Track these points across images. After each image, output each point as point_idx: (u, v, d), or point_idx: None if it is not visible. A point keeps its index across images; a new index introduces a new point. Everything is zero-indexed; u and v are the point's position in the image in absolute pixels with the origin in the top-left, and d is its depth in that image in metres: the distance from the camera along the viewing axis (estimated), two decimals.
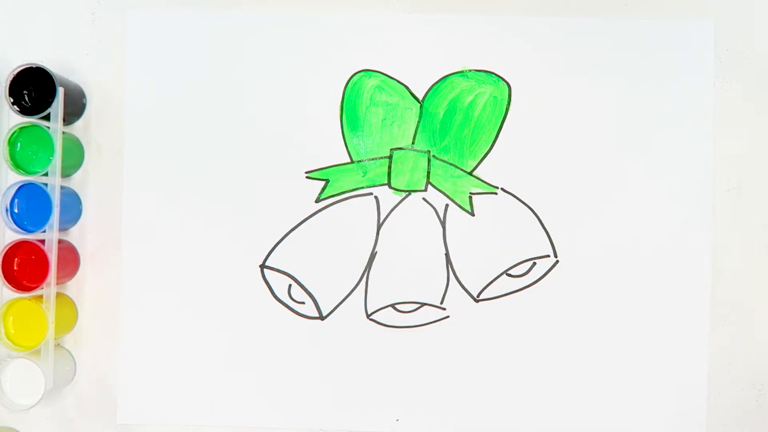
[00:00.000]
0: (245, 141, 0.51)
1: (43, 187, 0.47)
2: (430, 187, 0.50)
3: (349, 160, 0.50)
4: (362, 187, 0.50)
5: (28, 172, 0.48)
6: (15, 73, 0.47)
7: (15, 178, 0.48)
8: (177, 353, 0.51)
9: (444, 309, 0.50)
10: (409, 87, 0.50)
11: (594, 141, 0.50)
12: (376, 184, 0.50)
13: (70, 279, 0.51)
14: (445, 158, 0.50)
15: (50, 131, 0.47)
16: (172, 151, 0.51)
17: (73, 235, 0.51)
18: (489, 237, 0.50)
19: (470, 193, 0.50)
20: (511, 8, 0.50)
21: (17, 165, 0.48)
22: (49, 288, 0.47)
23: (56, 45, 0.51)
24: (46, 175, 0.47)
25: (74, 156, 0.50)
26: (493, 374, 0.50)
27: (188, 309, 0.51)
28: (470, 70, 0.50)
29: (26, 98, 0.48)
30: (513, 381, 0.50)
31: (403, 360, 0.50)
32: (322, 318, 0.51)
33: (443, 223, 0.50)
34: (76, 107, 0.50)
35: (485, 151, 0.50)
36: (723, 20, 0.50)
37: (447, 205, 0.50)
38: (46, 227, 0.47)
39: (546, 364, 0.50)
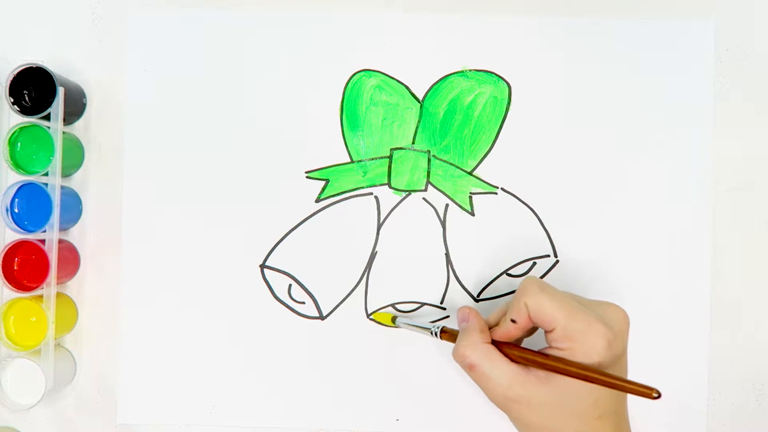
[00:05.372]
0: (245, 141, 0.51)
1: (44, 187, 0.47)
2: (430, 186, 0.50)
3: (349, 160, 0.50)
4: (362, 187, 0.51)
5: (28, 172, 0.48)
6: (15, 73, 0.47)
7: (15, 178, 0.48)
8: (177, 353, 0.51)
9: (444, 309, 0.50)
10: (409, 87, 0.50)
11: (594, 141, 0.50)
12: (376, 184, 0.50)
13: (70, 279, 0.51)
14: (445, 158, 0.50)
15: (50, 131, 0.47)
16: (173, 151, 0.51)
17: (73, 235, 0.51)
18: (489, 237, 0.50)
19: (470, 193, 0.50)
20: (511, 8, 0.50)
21: (17, 165, 0.48)
22: (49, 288, 0.47)
23: (56, 45, 0.51)
24: (46, 175, 0.47)
25: (74, 156, 0.50)
26: None
27: (188, 309, 0.51)
28: (470, 70, 0.50)
29: (26, 98, 0.48)
30: None
31: (403, 360, 0.50)
32: (322, 318, 0.51)
33: (443, 223, 0.50)
34: (76, 107, 0.50)
35: (485, 151, 0.50)
36: (723, 20, 0.50)
37: (447, 205, 0.50)
38: (46, 227, 0.47)
39: None
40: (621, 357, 0.39)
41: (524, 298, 0.39)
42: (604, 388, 0.37)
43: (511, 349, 0.40)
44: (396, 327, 0.49)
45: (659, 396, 0.35)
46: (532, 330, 0.42)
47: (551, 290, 0.40)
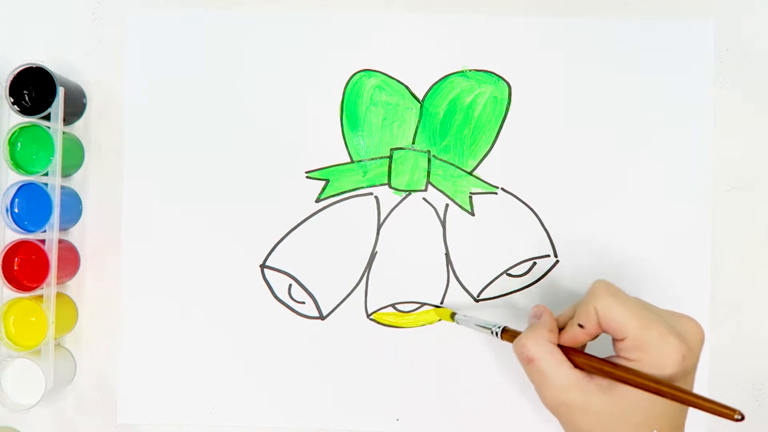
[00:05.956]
0: (245, 141, 0.51)
1: (44, 187, 0.47)
2: (430, 186, 0.50)
3: (349, 160, 0.50)
4: (362, 187, 0.51)
5: (28, 172, 0.48)
6: (15, 73, 0.47)
7: (15, 178, 0.48)
8: (177, 353, 0.51)
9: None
10: (409, 87, 0.50)
11: (594, 141, 0.50)
12: (376, 184, 0.50)
13: (70, 279, 0.51)
14: (445, 158, 0.50)
15: (50, 131, 0.47)
16: (173, 151, 0.51)
17: (73, 235, 0.51)
18: (489, 237, 0.50)
19: (470, 193, 0.50)
20: (511, 8, 0.50)
21: (17, 165, 0.48)
22: (49, 288, 0.47)
23: (56, 45, 0.51)
24: (46, 175, 0.47)
25: (74, 156, 0.50)
26: (494, 374, 0.50)
27: (188, 309, 0.51)
28: (470, 70, 0.50)
29: (26, 98, 0.48)
30: (513, 381, 0.50)
31: (403, 360, 0.50)
32: (322, 318, 0.51)
33: (443, 223, 0.50)
34: (76, 107, 0.50)
35: (485, 151, 0.50)
36: (723, 20, 0.50)
37: (447, 205, 0.50)
38: (47, 227, 0.47)
39: None
40: (691, 372, 0.37)
41: (594, 302, 0.37)
42: (668, 402, 0.35)
43: (576, 355, 0.38)
44: (456, 323, 0.48)
45: (742, 418, 0.32)
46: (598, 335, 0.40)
47: (623, 296, 0.37)
